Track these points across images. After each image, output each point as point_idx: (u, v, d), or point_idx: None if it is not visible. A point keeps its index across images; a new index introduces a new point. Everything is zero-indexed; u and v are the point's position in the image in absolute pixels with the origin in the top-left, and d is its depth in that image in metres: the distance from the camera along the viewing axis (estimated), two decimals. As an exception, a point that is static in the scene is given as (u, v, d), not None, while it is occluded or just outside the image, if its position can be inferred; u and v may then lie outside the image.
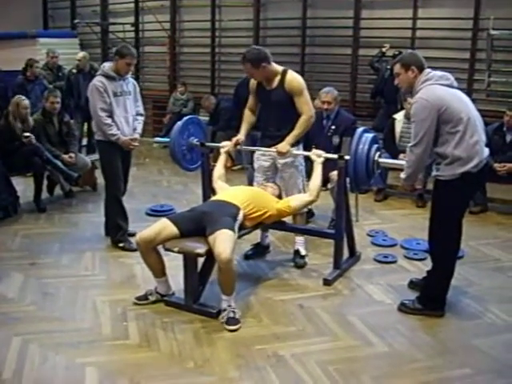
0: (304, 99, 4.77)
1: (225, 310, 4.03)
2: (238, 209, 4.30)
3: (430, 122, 3.78)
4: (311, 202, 4.82)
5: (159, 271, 4.30)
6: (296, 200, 4.68)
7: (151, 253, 4.19)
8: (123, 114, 5.30)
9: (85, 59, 9.02)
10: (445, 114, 3.77)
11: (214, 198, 4.67)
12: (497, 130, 6.54)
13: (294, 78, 4.78)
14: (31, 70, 8.67)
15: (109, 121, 5.18)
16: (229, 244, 3.91)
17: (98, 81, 5.20)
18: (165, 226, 4.16)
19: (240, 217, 4.27)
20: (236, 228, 4.15)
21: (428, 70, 3.95)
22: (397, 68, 4.04)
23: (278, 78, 4.77)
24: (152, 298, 4.32)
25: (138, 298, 4.32)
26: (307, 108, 4.78)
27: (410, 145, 3.94)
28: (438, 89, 3.85)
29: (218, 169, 5.00)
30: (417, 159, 3.91)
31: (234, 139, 5.07)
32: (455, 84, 3.97)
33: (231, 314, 4.00)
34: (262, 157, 5.06)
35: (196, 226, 4.16)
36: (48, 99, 6.85)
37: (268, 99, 4.84)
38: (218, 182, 4.89)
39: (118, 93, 5.25)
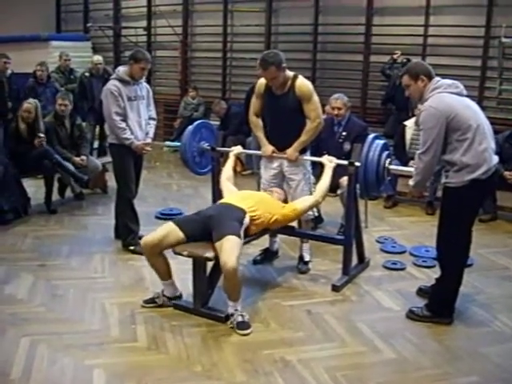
0: (313, 106, 4.74)
1: (232, 314, 4.04)
2: (244, 212, 4.29)
3: (439, 130, 3.78)
4: (316, 204, 4.79)
5: (165, 274, 4.30)
6: (301, 203, 4.65)
7: (157, 256, 4.20)
8: (136, 118, 5.33)
9: (101, 63, 9.10)
10: (453, 121, 3.77)
11: (220, 201, 4.65)
12: (508, 137, 6.51)
13: (304, 84, 4.75)
14: (37, 73, 8.72)
15: (123, 125, 5.21)
16: (235, 252, 3.91)
17: (112, 85, 5.23)
18: (170, 231, 4.16)
19: (246, 221, 4.26)
20: (242, 232, 4.15)
21: (437, 79, 3.95)
22: (405, 80, 4.04)
23: (288, 83, 4.74)
24: (159, 302, 4.32)
25: (146, 302, 4.34)
26: (315, 114, 4.76)
27: (418, 152, 3.95)
28: (446, 97, 3.85)
29: (226, 170, 4.99)
30: (425, 166, 3.91)
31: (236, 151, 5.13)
32: (464, 92, 3.97)
33: (240, 318, 4.01)
34: (269, 164, 5.04)
35: (202, 230, 4.16)
36: (57, 102, 6.89)
37: (277, 104, 4.79)
38: (226, 184, 4.86)
39: (132, 97, 5.28)
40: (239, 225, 4.16)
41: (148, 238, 4.17)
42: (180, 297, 4.37)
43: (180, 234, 4.14)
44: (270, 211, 4.47)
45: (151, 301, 4.34)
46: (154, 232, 4.21)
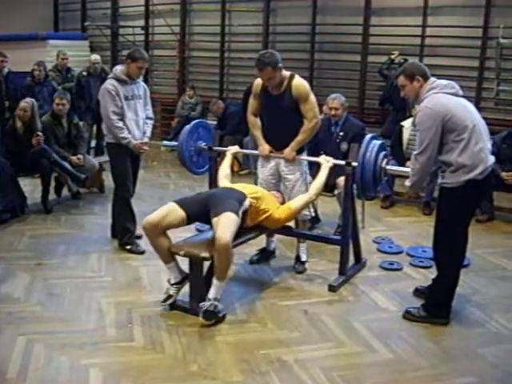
0: (309, 105, 4.74)
1: (209, 299, 4.02)
2: (244, 196, 4.32)
3: (435, 131, 3.79)
4: (310, 201, 4.77)
5: (168, 256, 4.23)
6: (295, 202, 4.64)
7: (158, 237, 4.16)
8: (134, 117, 5.33)
9: (99, 62, 9.09)
10: (449, 122, 3.78)
11: (222, 186, 4.69)
12: (505, 138, 6.51)
13: (300, 84, 4.75)
14: (35, 72, 8.70)
15: (120, 124, 5.21)
16: (230, 228, 3.96)
17: (110, 84, 5.22)
18: (172, 209, 4.18)
19: (246, 203, 4.28)
20: (240, 213, 4.16)
21: (433, 79, 3.96)
22: (401, 80, 4.05)
23: (285, 83, 4.73)
24: (173, 293, 4.25)
25: (163, 301, 4.27)
26: (312, 114, 4.76)
27: (414, 153, 3.95)
28: (442, 97, 3.86)
29: (224, 168, 4.99)
30: (422, 167, 3.92)
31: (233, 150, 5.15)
32: (460, 92, 3.98)
33: (211, 308, 4.01)
34: (266, 163, 5.04)
35: (202, 208, 4.19)
36: (55, 101, 6.89)
37: (274, 104, 4.78)
38: (224, 181, 4.84)
39: (129, 96, 5.27)
40: (238, 205, 4.19)
41: (149, 218, 4.16)
42: (186, 277, 4.29)
43: (181, 213, 4.16)
44: (267, 205, 4.48)
45: (168, 297, 4.27)
46: (155, 212, 4.20)
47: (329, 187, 5.42)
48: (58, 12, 13.27)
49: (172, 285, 4.28)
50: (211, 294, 4.04)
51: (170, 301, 4.26)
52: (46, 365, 3.51)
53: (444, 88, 3.90)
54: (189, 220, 4.23)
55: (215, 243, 3.94)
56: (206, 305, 4.01)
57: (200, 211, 4.21)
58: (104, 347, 3.76)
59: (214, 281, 4.05)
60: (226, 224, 3.97)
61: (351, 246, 4.93)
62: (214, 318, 4.03)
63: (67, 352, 3.65)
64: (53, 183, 6.92)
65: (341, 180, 5.18)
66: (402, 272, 5.13)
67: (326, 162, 4.76)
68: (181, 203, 4.23)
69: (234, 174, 5.35)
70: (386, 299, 4.55)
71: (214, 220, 4.02)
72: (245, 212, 4.29)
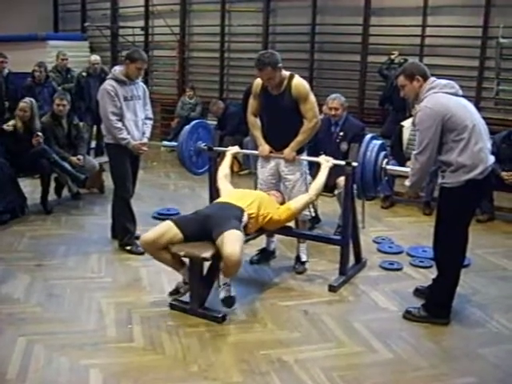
0: (309, 105, 4.74)
1: (221, 285, 4.06)
2: (242, 211, 4.31)
3: (435, 130, 3.79)
4: (310, 201, 4.77)
5: (176, 265, 4.28)
6: (295, 202, 4.64)
7: (159, 252, 4.18)
8: (133, 117, 5.33)
9: (99, 63, 9.09)
10: (449, 122, 3.78)
11: (218, 200, 4.65)
12: (505, 138, 6.51)
13: (300, 83, 4.74)
14: (36, 73, 8.69)
15: (119, 125, 5.20)
16: (238, 244, 3.94)
17: (108, 85, 5.21)
18: (168, 229, 4.16)
19: (245, 218, 4.28)
20: (242, 228, 4.17)
21: (433, 79, 3.96)
22: (401, 80, 4.05)
23: (284, 83, 4.73)
24: (183, 291, 4.31)
25: (171, 293, 4.34)
26: (312, 114, 4.75)
27: (414, 153, 3.95)
28: (442, 97, 3.86)
29: (223, 168, 4.99)
30: (421, 167, 3.91)
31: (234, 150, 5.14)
32: (460, 92, 3.98)
33: (227, 294, 4.05)
34: (266, 164, 5.04)
35: (200, 229, 4.16)
36: (55, 102, 6.89)
37: (274, 104, 4.78)
38: (223, 181, 4.86)
39: (128, 97, 5.27)
40: (238, 222, 4.18)
41: (145, 236, 4.17)
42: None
43: (178, 233, 4.15)
44: (266, 210, 4.48)
45: (176, 291, 4.33)
46: (152, 230, 4.21)
47: (329, 187, 5.42)
48: (58, 12, 13.26)
49: (186, 283, 4.31)
50: (221, 280, 4.07)
51: (176, 296, 4.30)
52: (46, 365, 3.51)
53: (444, 88, 3.90)
54: (186, 241, 4.18)
55: (225, 260, 3.92)
56: (220, 291, 4.05)
57: (198, 233, 4.16)
58: (104, 348, 3.76)
59: (221, 276, 4.08)
60: (232, 240, 3.94)
61: (351, 246, 4.92)
62: (234, 302, 4.09)
63: (67, 353, 3.65)
64: (53, 184, 6.92)
65: (341, 180, 5.18)
66: (402, 272, 5.12)
67: (326, 162, 4.76)
68: (178, 223, 4.20)
69: (234, 175, 5.34)
70: (386, 299, 4.55)
71: (218, 240, 4.00)
72: (245, 226, 4.31)
